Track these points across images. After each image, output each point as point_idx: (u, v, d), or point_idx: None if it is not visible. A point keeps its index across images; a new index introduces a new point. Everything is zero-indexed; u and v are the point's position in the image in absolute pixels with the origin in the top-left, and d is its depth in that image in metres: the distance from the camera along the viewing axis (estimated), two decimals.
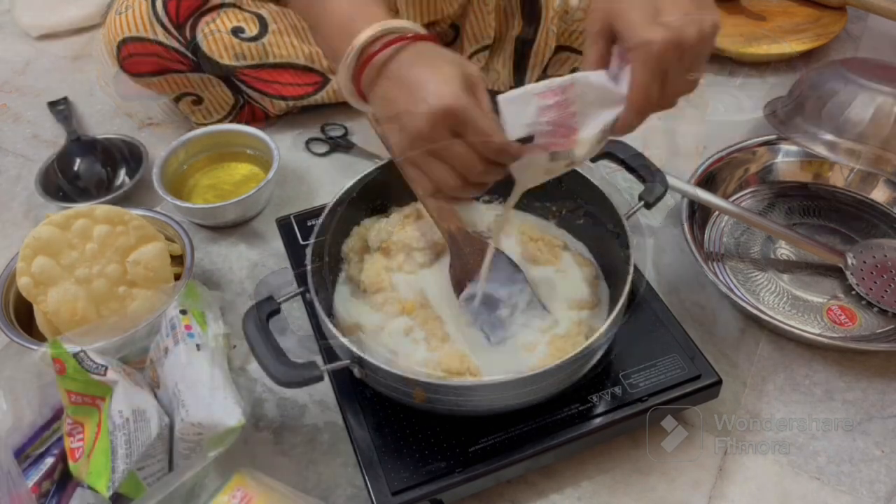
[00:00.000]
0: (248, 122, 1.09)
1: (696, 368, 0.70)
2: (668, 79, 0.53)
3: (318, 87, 1.06)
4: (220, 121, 1.07)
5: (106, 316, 0.74)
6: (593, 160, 0.77)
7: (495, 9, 0.99)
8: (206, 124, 1.07)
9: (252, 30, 1.00)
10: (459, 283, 0.72)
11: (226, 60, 0.99)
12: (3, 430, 0.63)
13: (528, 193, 0.81)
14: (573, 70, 1.07)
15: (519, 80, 1.03)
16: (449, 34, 1.07)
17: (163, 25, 0.96)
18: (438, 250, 0.76)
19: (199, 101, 1.04)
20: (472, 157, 0.54)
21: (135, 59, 0.98)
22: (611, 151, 0.75)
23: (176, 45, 0.97)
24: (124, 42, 0.97)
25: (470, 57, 1.02)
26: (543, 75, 1.07)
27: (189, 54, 0.98)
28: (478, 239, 0.74)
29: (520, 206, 0.82)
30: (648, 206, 0.71)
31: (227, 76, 1.02)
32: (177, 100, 1.04)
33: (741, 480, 0.71)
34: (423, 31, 0.58)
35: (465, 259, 0.72)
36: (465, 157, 0.54)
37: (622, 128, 0.55)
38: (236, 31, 0.99)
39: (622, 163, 0.75)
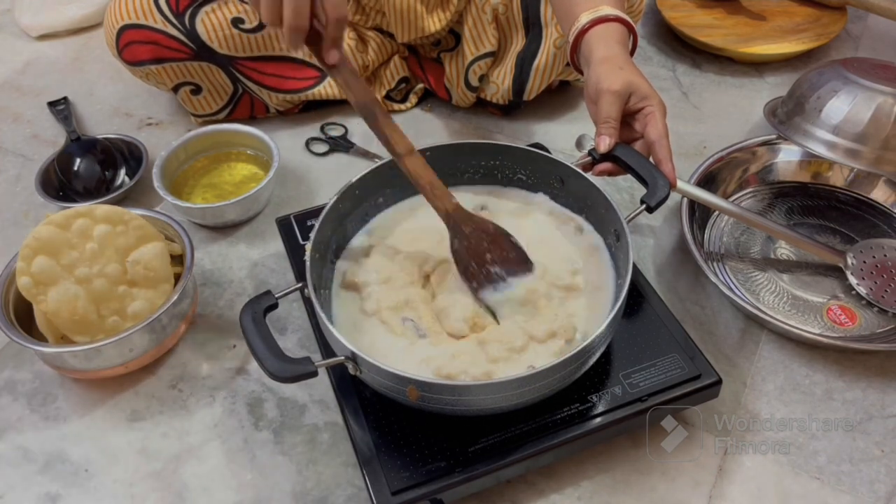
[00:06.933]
0: (249, 116, 1.09)
1: (696, 368, 0.70)
2: None
3: (316, 81, 1.06)
4: (219, 111, 1.07)
5: (105, 316, 0.74)
6: (595, 162, 0.76)
7: (495, 20, 0.99)
8: (205, 115, 1.08)
9: (253, 21, 1.00)
10: (465, 266, 0.71)
11: (225, 50, 1.00)
12: None
13: (529, 192, 0.82)
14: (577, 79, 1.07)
15: (517, 95, 1.03)
16: (450, 40, 1.07)
17: (162, 13, 0.96)
18: (423, 284, 0.74)
19: (197, 90, 1.04)
20: None
21: (133, 46, 0.98)
22: (612, 153, 0.75)
23: (175, 33, 0.97)
24: (123, 29, 0.97)
25: (471, 63, 1.02)
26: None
27: (188, 42, 0.98)
28: (476, 216, 0.73)
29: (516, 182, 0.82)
30: (650, 209, 0.69)
31: (226, 66, 1.02)
32: (175, 89, 1.04)
33: (741, 480, 0.71)
34: None
35: (466, 239, 0.71)
36: None
37: (673, 179, 0.70)
38: (236, 22, 0.99)
39: (624, 164, 0.74)
